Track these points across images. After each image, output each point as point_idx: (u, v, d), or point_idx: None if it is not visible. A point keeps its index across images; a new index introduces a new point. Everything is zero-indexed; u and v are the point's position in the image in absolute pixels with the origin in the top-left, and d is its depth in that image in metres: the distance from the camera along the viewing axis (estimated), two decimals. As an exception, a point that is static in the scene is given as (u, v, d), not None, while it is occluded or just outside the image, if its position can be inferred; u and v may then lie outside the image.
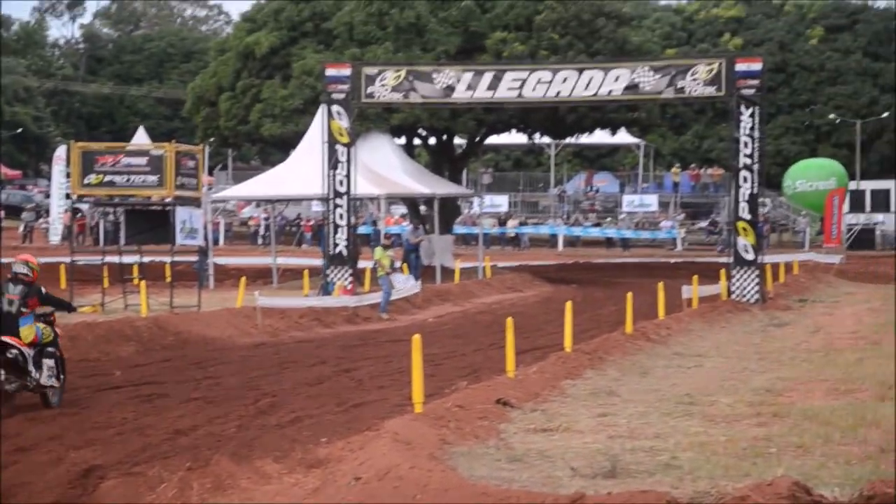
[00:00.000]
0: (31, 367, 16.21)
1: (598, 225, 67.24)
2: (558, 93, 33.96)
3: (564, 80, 33.77)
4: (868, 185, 66.86)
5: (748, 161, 32.90)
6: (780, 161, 75.52)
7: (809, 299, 36.11)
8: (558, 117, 46.18)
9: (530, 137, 53.84)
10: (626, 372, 19.33)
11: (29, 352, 16.24)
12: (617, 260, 57.66)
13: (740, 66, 32.91)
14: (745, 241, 32.95)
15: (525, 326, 26.89)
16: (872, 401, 15.87)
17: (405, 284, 34.80)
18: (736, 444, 12.93)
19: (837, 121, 77.51)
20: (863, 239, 60.38)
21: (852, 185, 66.20)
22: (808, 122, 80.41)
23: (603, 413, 15.16)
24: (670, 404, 15.87)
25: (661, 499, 9.45)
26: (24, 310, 16.38)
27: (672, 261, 55.54)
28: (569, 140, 58.80)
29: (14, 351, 16.08)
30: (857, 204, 62.58)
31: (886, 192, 64.72)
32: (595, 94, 33.94)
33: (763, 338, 25.30)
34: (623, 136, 63.91)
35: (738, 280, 32.92)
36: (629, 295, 24.39)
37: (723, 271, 33.94)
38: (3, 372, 16.01)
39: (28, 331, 16.35)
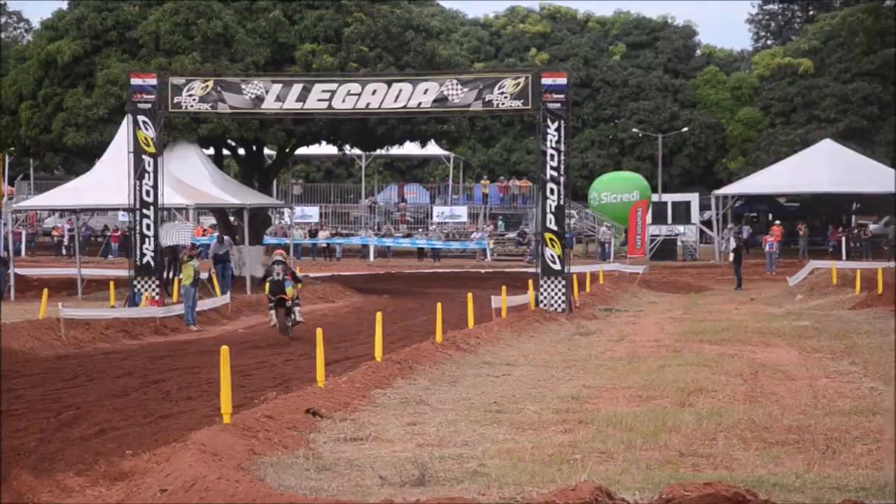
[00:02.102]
0: (294, 311, 27.58)
1: (408, 236, 67.50)
2: (368, 104, 34.03)
3: (374, 92, 33.86)
4: (670, 198, 68.74)
5: (554, 173, 33.45)
6: (585, 174, 77.38)
7: (614, 308, 36.93)
8: (368, 129, 46.21)
9: (340, 149, 53.81)
10: (436, 381, 19.48)
11: (290, 303, 27.44)
12: (428, 270, 58.01)
13: (546, 81, 33.43)
14: (552, 252, 33.46)
15: (336, 337, 26.88)
16: (673, 407, 16.34)
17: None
18: (542, 451, 13.15)
19: (640, 135, 79.64)
20: (665, 249, 61.93)
21: (655, 198, 68.04)
22: (613, 136, 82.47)
23: (412, 422, 15.26)
24: (479, 412, 16.05)
25: (468, 505, 9.56)
26: (286, 277, 27.26)
27: (482, 271, 56.17)
28: (379, 151, 58.89)
29: (289, 302, 27.32)
30: (659, 215, 64.26)
31: (687, 204, 66.63)
32: (404, 107, 34.10)
33: (570, 346, 25.75)
34: (433, 149, 64.39)
35: (545, 290, 33.40)
36: (439, 305, 24.58)
37: (531, 281, 34.47)
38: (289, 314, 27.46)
39: (290, 290, 27.26)
